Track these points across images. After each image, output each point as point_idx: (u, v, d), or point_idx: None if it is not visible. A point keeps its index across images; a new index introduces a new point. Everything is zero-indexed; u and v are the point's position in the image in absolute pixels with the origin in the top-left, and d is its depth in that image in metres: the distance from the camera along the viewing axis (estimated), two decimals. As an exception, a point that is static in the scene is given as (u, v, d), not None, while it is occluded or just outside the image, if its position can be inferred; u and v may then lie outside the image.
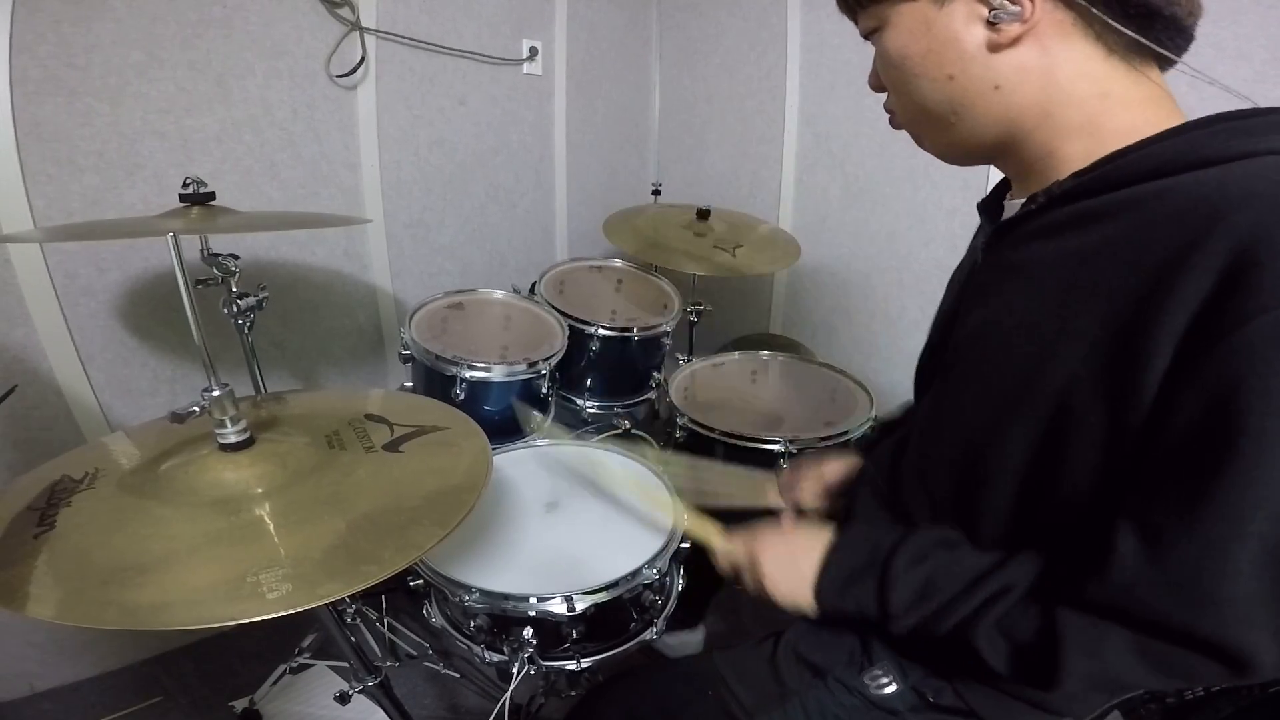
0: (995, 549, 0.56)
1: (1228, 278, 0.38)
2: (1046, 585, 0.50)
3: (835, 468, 0.84)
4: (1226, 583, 0.40)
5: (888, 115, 0.60)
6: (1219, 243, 0.39)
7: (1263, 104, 0.45)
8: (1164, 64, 0.49)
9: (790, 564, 0.65)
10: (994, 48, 0.48)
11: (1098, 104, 0.48)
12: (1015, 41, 0.47)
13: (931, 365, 0.70)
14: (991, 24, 0.47)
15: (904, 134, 0.59)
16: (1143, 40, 0.46)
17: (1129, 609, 0.44)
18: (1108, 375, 0.44)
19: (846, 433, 1.09)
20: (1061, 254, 0.49)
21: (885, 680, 0.63)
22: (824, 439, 1.08)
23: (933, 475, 0.63)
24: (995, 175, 0.60)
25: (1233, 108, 0.46)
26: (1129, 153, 0.47)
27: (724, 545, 0.72)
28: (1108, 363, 0.44)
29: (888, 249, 1.64)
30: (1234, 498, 0.39)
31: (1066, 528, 0.51)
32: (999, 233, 0.58)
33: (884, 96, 0.60)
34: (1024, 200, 0.54)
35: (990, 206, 0.62)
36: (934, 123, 0.54)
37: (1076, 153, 0.49)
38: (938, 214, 1.52)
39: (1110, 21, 0.45)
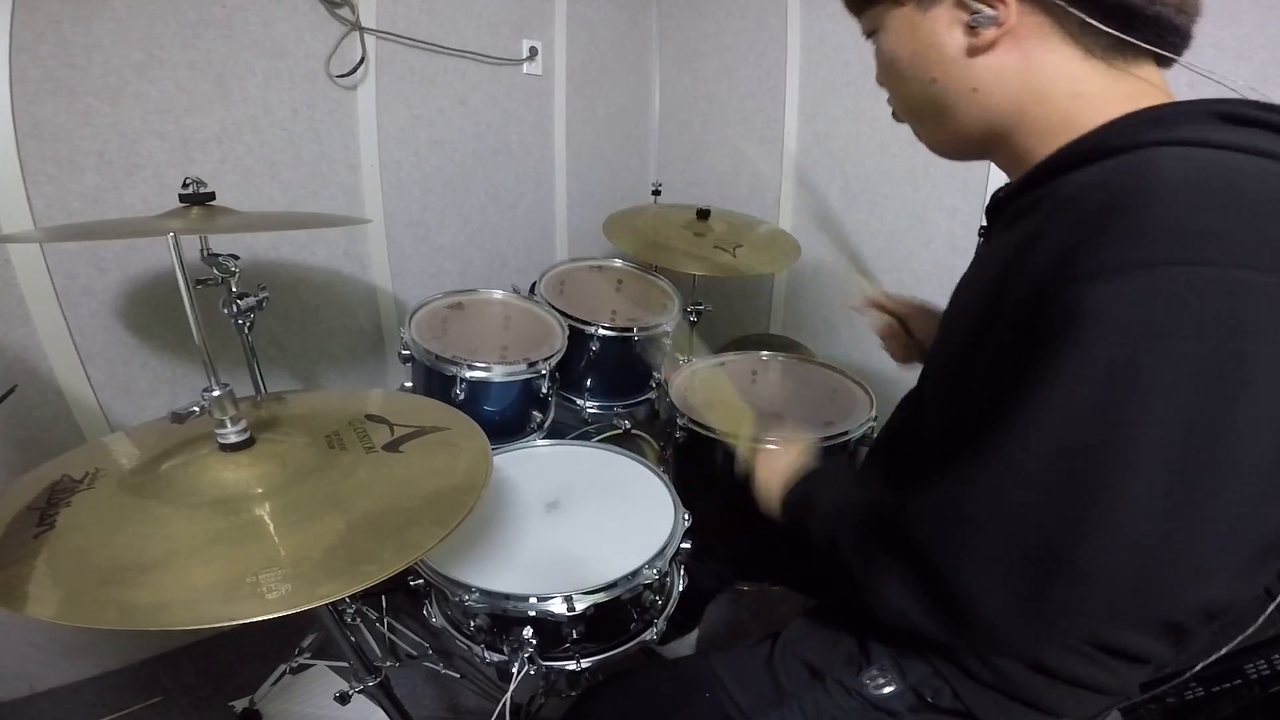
0: None
1: (1058, 271, 0.39)
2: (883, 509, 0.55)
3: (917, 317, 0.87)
4: (971, 532, 0.44)
5: (891, 109, 0.61)
6: (1061, 233, 0.41)
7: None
8: (1163, 63, 0.49)
9: (776, 463, 0.73)
10: (973, 52, 0.49)
11: (1071, 104, 0.48)
12: (993, 45, 0.48)
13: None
14: (971, 29, 0.48)
15: (903, 134, 0.60)
16: (1127, 39, 0.45)
17: (907, 538, 0.49)
18: (973, 351, 0.48)
19: (846, 433, 1.09)
20: (995, 247, 0.53)
21: (883, 681, 0.63)
22: (824, 439, 1.08)
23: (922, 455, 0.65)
24: (996, 176, 0.61)
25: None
26: (1063, 148, 0.48)
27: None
28: (972, 346, 0.48)
29: (888, 249, 1.64)
30: (1001, 453, 0.42)
31: None
32: (988, 221, 0.61)
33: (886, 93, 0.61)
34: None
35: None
36: (925, 120, 0.57)
37: (1050, 151, 0.49)
38: (938, 214, 1.52)
39: (1090, 21, 0.45)
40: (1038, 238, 0.43)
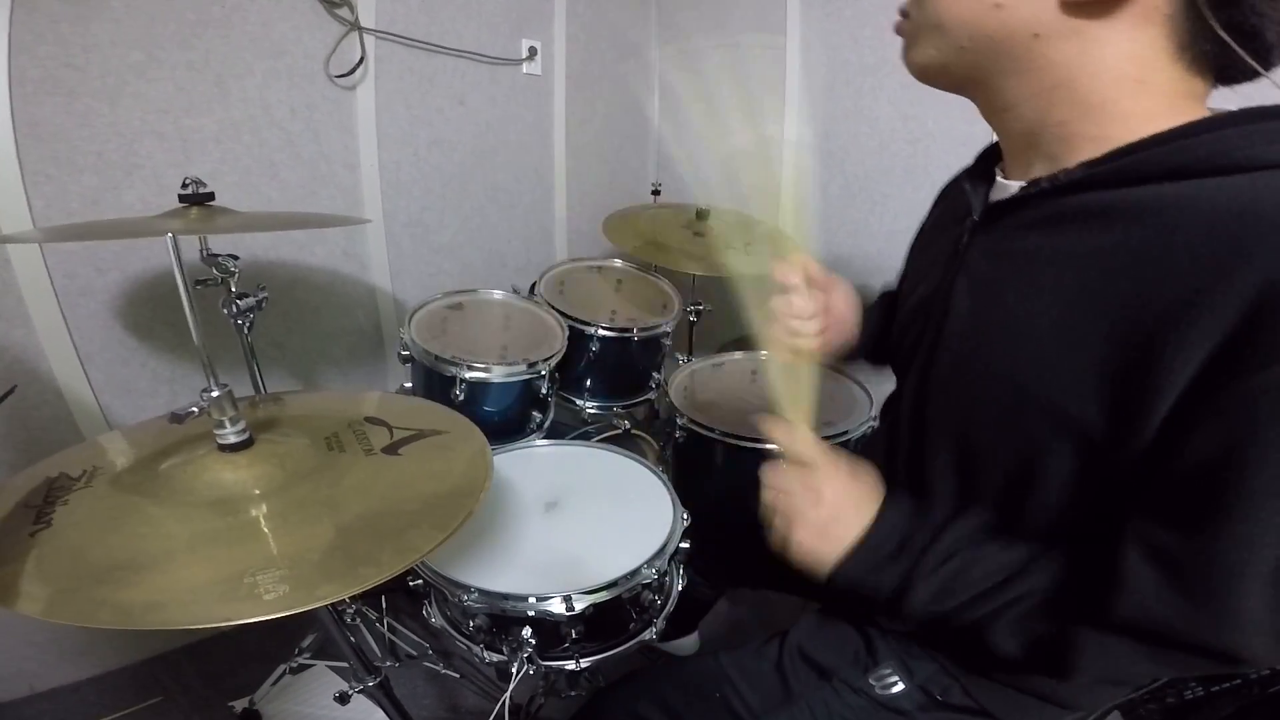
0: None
1: (1254, 314, 0.37)
2: (1063, 593, 0.50)
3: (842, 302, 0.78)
4: (1239, 601, 0.41)
5: (899, 17, 0.55)
6: (1248, 276, 0.37)
7: None
8: (1224, 82, 0.46)
9: (824, 529, 0.58)
10: (1065, 5, 0.43)
11: (1130, 87, 0.45)
12: (1092, 8, 0.43)
13: (913, 347, 0.65)
14: None
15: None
16: (1240, 51, 0.42)
17: (1147, 628, 0.44)
18: (1114, 389, 0.43)
19: (846, 433, 1.09)
20: (1069, 252, 0.47)
21: (892, 680, 0.63)
22: (824, 439, 1.08)
23: (925, 475, 0.61)
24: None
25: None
26: (1149, 146, 0.44)
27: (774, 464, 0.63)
28: (1115, 376, 0.43)
29: (887, 249, 1.64)
30: (1245, 530, 0.39)
31: (1048, 532, 0.51)
32: (991, 213, 0.55)
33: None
34: (1023, 183, 0.51)
35: (979, 180, 0.59)
36: (940, 39, 0.50)
37: (1089, 133, 0.46)
38: (938, 214, 1.52)
39: (1215, 27, 0.41)
40: (1164, 265, 0.41)
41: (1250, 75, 0.45)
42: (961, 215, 0.60)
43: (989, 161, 0.60)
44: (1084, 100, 0.46)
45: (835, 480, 0.59)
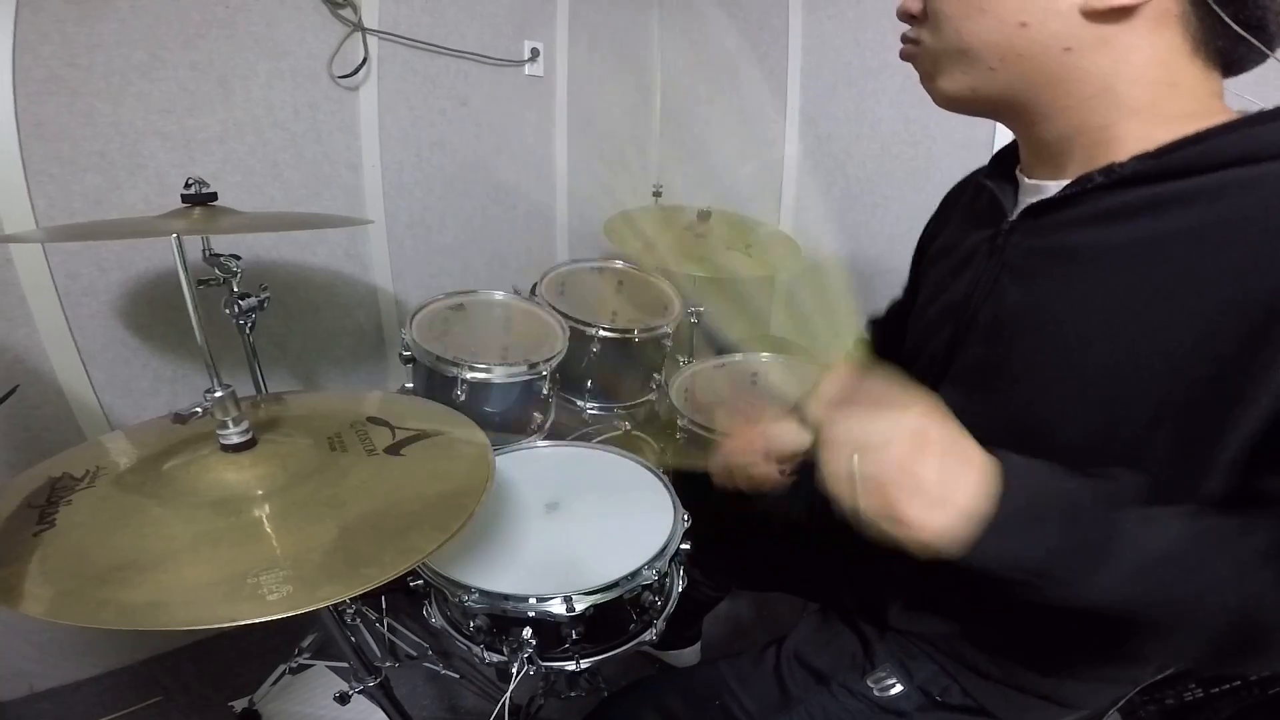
0: None
1: None
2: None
3: (784, 435, 0.67)
4: None
5: (902, 44, 0.55)
6: None
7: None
8: (1229, 73, 0.48)
9: (943, 490, 0.42)
10: (1090, 13, 0.44)
11: (1165, 90, 0.46)
12: (1114, 13, 0.44)
13: (948, 351, 0.60)
14: None
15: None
16: (1250, 39, 0.43)
17: None
18: (1237, 365, 0.41)
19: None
20: (1144, 240, 0.46)
21: (890, 682, 0.63)
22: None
23: None
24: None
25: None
26: (1216, 134, 0.44)
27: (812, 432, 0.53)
28: (1236, 352, 0.41)
29: (888, 251, 1.64)
30: None
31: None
32: (1031, 213, 0.53)
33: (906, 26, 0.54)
34: (1067, 181, 0.50)
35: (1002, 180, 0.58)
36: (968, 65, 0.49)
37: (1133, 133, 0.47)
38: (939, 216, 1.52)
39: (1224, 19, 0.43)
40: (1266, 232, 0.40)
41: (1250, 66, 0.46)
42: (986, 218, 0.59)
43: (1007, 163, 0.59)
44: (1127, 104, 0.47)
45: (936, 418, 0.44)
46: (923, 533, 0.42)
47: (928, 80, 0.54)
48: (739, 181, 1.91)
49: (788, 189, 1.80)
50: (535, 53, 1.68)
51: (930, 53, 0.52)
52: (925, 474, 0.42)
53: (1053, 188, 0.52)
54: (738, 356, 1.41)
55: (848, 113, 1.64)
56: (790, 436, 0.67)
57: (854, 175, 1.67)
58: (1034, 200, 0.53)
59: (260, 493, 0.61)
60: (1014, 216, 0.55)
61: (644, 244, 1.47)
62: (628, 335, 1.36)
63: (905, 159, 1.53)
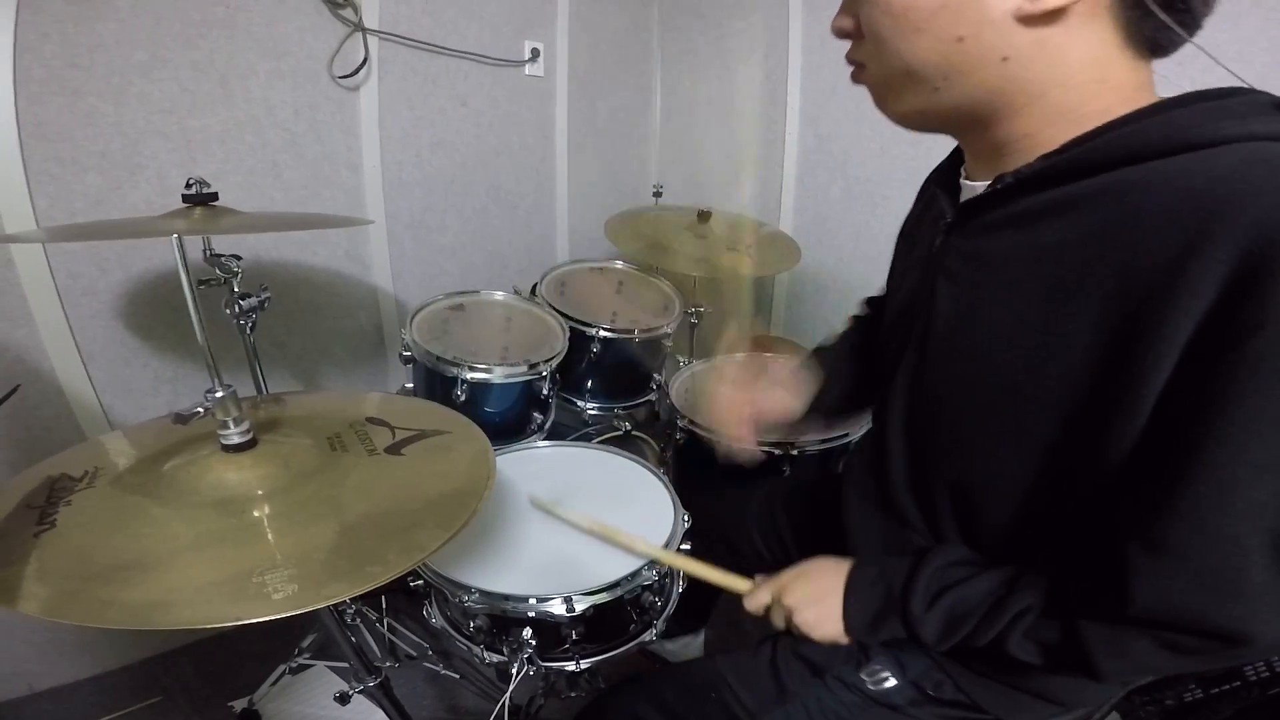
0: (997, 551, 0.56)
1: (1235, 284, 0.37)
2: (1060, 599, 0.50)
3: (772, 404, 0.82)
4: (1244, 575, 0.41)
5: (851, 67, 0.55)
6: (1223, 248, 0.37)
7: None
8: (1155, 56, 0.48)
9: (818, 605, 0.63)
10: (1024, 19, 0.43)
11: (1094, 89, 0.46)
12: (1049, 15, 0.43)
13: (899, 352, 0.64)
14: None
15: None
16: (1176, 29, 0.43)
17: (1157, 617, 0.44)
18: (1106, 382, 0.44)
19: (847, 435, 1.09)
20: (1039, 248, 0.47)
21: (884, 675, 0.63)
22: (824, 440, 1.08)
23: (921, 483, 0.61)
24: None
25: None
26: (1101, 133, 0.45)
27: (749, 590, 0.70)
28: (1105, 369, 0.43)
29: (889, 251, 1.63)
30: (1245, 501, 0.39)
31: (1065, 535, 0.51)
32: (962, 214, 0.55)
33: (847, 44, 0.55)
34: (988, 182, 0.51)
35: (947, 181, 0.60)
36: (913, 85, 0.49)
37: (1055, 136, 0.47)
38: (938, 216, 1.52)
39: (1154, 9, 0.42)
40: (1134, 248, 0.41)
41: (1176, 48, 0.46)
42: (936, 216, 0.60)
43: (955, 166, 0.60)
44: (1055, 108, 0.47)
45: (805, 566, 0.67)
46: (818, 631, 0.63)
47: (880, 103, 0.54)
48: (739, 181, 1.91)
49: (788, 189, 1.80)
50: (535, 53, 1.68)
51: (879, 75, 0.52)
52: (808, 593, 0.65)
53: (980, 188, 0.53)
54: (738, 357, 1.41)
55: (848, 113, 1.64)
56: (778, 404, 0.82)
57: (854, 175, 1.67)
58: (964, 201, 0.55)
59: (261, 493, 0.61)
60: (949, 219, 0.57)
61: (644, 244, 1.47)
62: (628, 335, 1.36)
63: (905, 159, 1.54)
